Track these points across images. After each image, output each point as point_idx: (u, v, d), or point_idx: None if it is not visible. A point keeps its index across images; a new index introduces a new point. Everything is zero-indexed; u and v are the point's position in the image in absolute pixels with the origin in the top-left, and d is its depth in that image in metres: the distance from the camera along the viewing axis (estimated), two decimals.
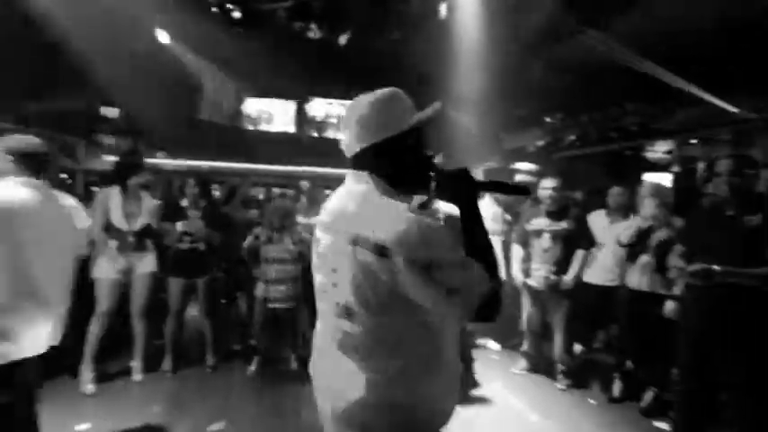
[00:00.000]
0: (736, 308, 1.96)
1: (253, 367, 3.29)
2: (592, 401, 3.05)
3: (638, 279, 2.86)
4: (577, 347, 3.71)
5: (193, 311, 3.52)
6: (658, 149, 6.89)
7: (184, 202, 3.26)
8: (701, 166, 5.95)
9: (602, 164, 7.79)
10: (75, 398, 2.82)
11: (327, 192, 4.96)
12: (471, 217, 0.98)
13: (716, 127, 5.33)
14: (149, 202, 3.07)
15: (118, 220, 2.93)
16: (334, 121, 6.43)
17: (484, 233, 0.98)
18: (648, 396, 2.86)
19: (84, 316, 2.91)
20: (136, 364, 3.12)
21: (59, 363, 3.00)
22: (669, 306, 2.65)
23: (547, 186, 3.19)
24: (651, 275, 2.79)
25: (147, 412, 2.71)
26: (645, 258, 2.81)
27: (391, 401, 0.99)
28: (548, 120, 7.67)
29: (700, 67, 4.46)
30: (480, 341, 4.04)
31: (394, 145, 1.01)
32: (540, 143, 7.86)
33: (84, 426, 2.53)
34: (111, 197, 2.95)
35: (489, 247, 0.97)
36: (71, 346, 2.95)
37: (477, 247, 0.95)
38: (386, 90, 1.05)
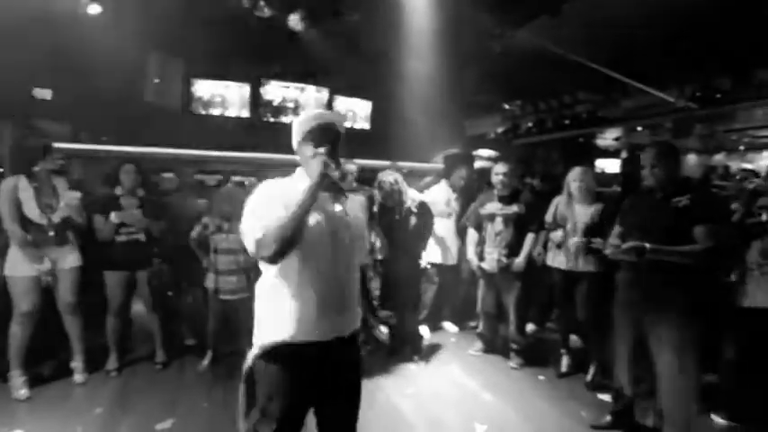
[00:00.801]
0: (667, 284, 2.09)
1: (205, 362, 3.18)
2: (542, 378, 3.19)
3: (567, 260, 3.02)
4: (530, 327, 3.87)
5: (139, 306, 3.33)
6: (608, 136, 7.23)
7: (119, 191, 3.00)
8: None
9: (558, 150, 8.09)
10: (6, 404, 2.61)
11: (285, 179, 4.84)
12: (308, 192, 1.34)
13: (657, 116, 5.63)
14: (67, 191, 2.79)
15: (34, 213, 2.63)
16: (290, 105, 6.22)
17: (304, 206, 1.32)
18: (592, 370, 3.03)
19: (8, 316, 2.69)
20: (76, 364, 2.92)
21: None
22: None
23: (498, 171, 3.25)
24: (583, 257, 2.94)
25: (88, 415, 2.55)
26: (573, 240, 2.95)
27: (269, 311, 1.46)
28: (507, 106, 7.83)
29: (637, 59, 4.68)
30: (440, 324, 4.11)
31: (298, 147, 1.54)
32: (500, 129, 8.03)
33: None
34: (21, 188, 2.62)
35: (293, 217, 1.31)
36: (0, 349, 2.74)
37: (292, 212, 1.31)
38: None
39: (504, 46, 5.12)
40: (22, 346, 2.69)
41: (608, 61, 5.02)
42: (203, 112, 5.82)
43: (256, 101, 6.00)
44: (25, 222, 2.63)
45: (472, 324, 3.99)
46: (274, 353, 1.42)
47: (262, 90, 6.05)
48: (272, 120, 6.20)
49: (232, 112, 6.03)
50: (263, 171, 4.83)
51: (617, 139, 7.74)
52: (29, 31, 4.16)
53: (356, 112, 6.99)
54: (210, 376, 3.07)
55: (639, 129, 6.85)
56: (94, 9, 4.21)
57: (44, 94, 5.08)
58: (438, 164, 6.43)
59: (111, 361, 3.06)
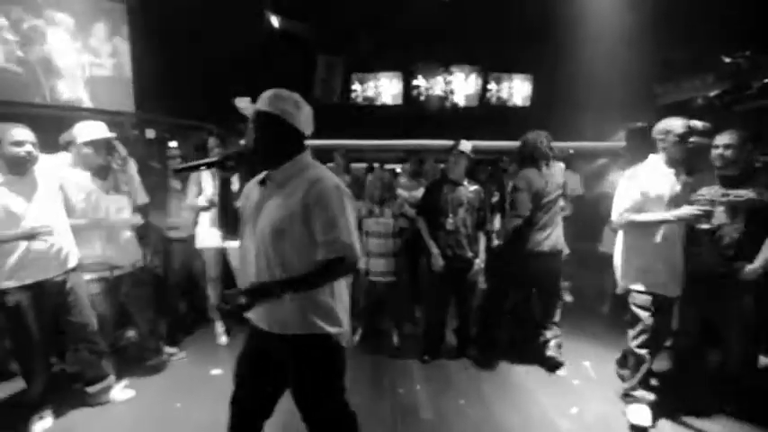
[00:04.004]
0: None
1: (356, 338, 3.36)
2: None
3: None
4: (764, 360, 2.77)
5: None
6: None
7: None
8: None
9: None
10: (213, 347, 3.29)
11: (440, 165, 4.75)
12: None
13: None
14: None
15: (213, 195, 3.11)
16: (443, 90, 6.07)
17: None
18: None
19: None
20: None
21: (203, 318, 3.53)
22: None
23: (720, 143, 2.35)
24: None
25: None
26: None
27: None
28: (728, 60, 5.83)
29: None
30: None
31: None
32: (714, 93, 6.06)
33: (217, 371, 2.93)
34: (204, 176, 3.16)
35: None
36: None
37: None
38: None
39: None
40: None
41: None
42: (362, 104, 6.21)
43: (409, 89, 6.06)
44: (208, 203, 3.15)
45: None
46: None
47: (413, 77, 6.07)
48: (430, 105, 6.19)
49: (387, 102, 6.26)
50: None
51: None
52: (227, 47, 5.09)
53: (514, 89, 6.35)
54: (360, 352, 3.22)
55: None
56: (276, 22, 4.91)
57: (244, 102, 6.26)
58: (617, 142, 5.30)
59: None
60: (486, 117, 6.38)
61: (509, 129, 5.62)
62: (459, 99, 6.31)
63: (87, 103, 4.33)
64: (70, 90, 4.28)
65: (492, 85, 6.20)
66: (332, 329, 1.43)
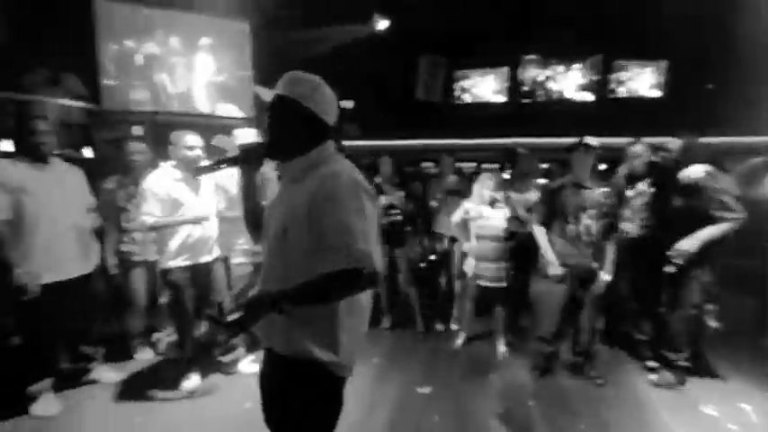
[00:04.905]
0: None
1: (459, 341, 3.27)
2: None
3: None
4: None
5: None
6: None
7: (378, 179, 3.49)
8: None
9: None
10: None
11: (544, 165, 4.42)
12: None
13: None
14: None
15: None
16: (552, 86, 5.61)
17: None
18: None
19: None
20: None
21: None
22: None
23: None
24: None
25: (369, 362, 3.06)
26: None
27: None
28: None
29: None
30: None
31: None
32: None
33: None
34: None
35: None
36: None
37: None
38: None
39: None
40: None
41: None
42: (464, 102, 6.08)
43: (513, 84, 5.76)
44: None
45: None
46: None
47: (519, 72, 5.75)
48: (536, 101, 5.82)
49: (492, 99, 6.03)
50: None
51: None
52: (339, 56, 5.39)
53: (640, 78, 5.60)
54: (464, 357, 3.13)
55: None
56: (383, 24, 5.06)
57: (347, 104, 6.58)
58: None
59: (384, 321, 3.63)
60: (604, 111, 5.73)
61: (633, 123, 4.99)
62: (572, 92, 5.77)
63: (217, 112, 5.01)
64: (205, 100, 4.99)
65: (613, 76, 5.55)
66: (323, 356, 1.12)
